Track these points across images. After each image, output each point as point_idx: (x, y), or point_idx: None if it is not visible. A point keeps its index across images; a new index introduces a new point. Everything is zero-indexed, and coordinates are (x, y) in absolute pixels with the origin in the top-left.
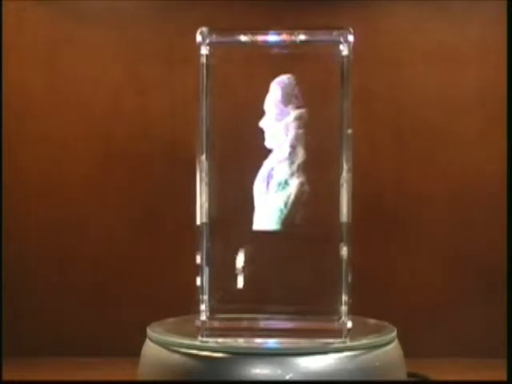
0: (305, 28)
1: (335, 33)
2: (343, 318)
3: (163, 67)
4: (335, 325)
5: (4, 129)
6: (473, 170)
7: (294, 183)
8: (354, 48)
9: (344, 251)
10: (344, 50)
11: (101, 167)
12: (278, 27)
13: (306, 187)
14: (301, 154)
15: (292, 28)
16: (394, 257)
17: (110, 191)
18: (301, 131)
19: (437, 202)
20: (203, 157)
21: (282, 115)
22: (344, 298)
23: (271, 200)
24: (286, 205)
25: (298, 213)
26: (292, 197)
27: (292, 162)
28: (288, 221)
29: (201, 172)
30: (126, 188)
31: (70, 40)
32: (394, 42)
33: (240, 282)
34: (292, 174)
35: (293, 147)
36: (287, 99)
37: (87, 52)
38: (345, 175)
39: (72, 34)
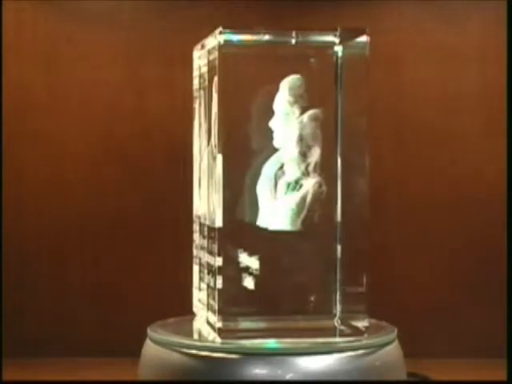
0: (308, 28)
1: (338, 33)
2: (337, 316)
3: (163, 67)
4: (334, 324)
5: (4, 128)
6: (473, 169)
7: (310, 183)
8: (358, 47)
9: (339, 250)
10: (339, 50)
11: (101, 166)
12: (279, 27)
13: (324, 187)
14: (316, 154)
15: (294, 28)
16: (395, 257)
17: (110, 191)
18: (316, 131)
19: (437, 201)
20: (217, 158)
21: (290, 115)
22: (338, 296)
23: (281, 200)
24: (298, 205)
25: (315, 213)
26: (309, 196)
27: (303, 162)
28: (306, 221)
29: (221, 173)
30: (125, 188)
31: (70, 40)
32: (395, 41)
33: (251, 284)
34: (305, 174)
35: (308, 147)
36: (295, 99)
37: (87, 52)
38: (340, 175)
39: (72, 34)
